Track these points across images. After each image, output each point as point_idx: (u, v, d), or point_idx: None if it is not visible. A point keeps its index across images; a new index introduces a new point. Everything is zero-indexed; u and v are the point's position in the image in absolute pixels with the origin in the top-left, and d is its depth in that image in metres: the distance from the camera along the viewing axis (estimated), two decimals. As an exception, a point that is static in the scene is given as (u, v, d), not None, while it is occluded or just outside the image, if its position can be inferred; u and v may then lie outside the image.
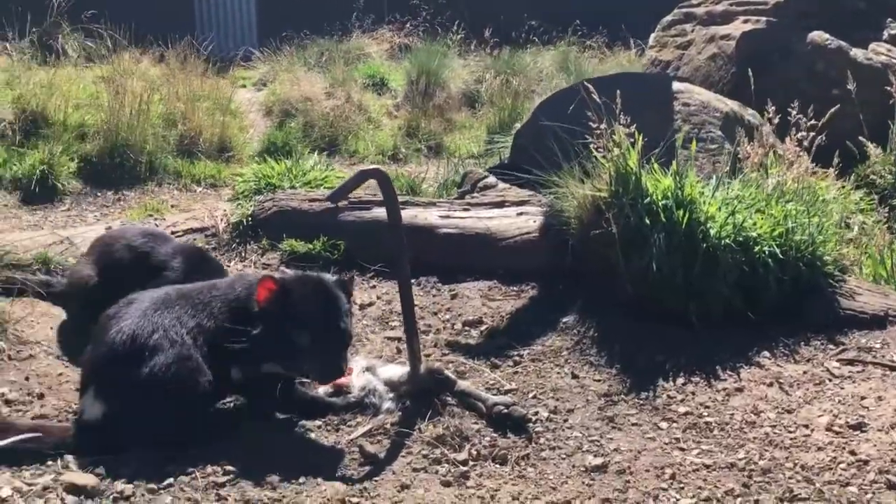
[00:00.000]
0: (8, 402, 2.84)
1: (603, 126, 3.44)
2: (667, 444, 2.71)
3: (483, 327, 3.64)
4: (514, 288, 3.96)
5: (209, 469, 2.50)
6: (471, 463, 2.60)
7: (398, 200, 2.96)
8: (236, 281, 2.93)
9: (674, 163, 3.51)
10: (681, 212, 3.35)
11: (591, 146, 3.50)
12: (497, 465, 2.60)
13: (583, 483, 2.49)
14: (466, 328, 3.65)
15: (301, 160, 5.12)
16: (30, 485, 2.35)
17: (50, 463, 2.49)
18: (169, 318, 2.70)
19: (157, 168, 6.41)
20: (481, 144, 7.48)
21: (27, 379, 2.99)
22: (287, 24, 10.33)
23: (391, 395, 2.97)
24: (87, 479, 2.38)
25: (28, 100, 6.51)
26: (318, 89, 8.05)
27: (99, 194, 6.04)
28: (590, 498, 2.39)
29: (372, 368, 3.08)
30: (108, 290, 3.21)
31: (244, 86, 9.41)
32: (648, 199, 3.38)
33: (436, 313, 3.83)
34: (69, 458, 2.51)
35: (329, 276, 2.87)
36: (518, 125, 6.69)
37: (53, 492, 2.32)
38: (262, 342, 2.66)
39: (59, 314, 3.45)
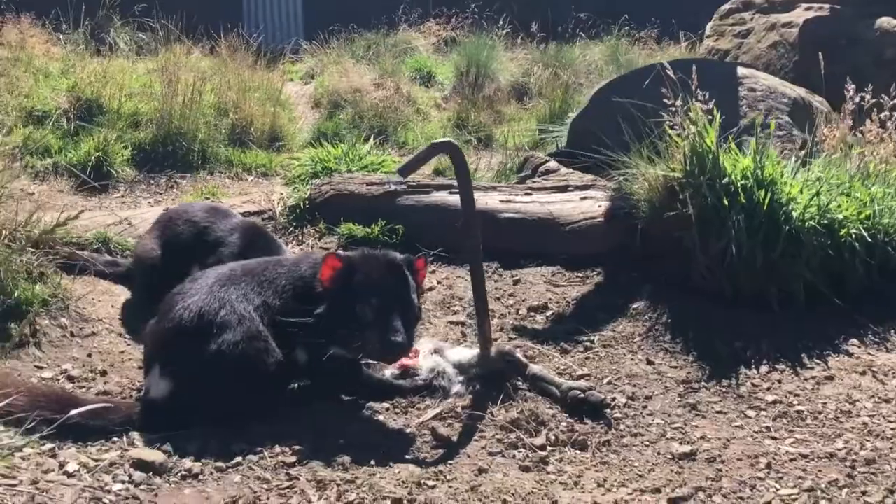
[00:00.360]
0: (71, 379, 2.77)
1: (678, 103, 3.27)
2: (757, 432, 2.53)
3: (549, 313, 3.50)
4: (579, 274, 3.81)
5: (277, 449, 2.39)
6: (549, 448, 2.45)
7: (470, 174, 2.82)
8: (302, 259, 2.82)
9: (752, 141, 3.32)
10: (762, 192, 3.16)
11: (666, 124, 3.33)
12: (577, 451, 2.45)
13: (671, 470, 2.32)
14: (531, 313, 3.50)
15: (357, 144, 5.01)
16: (96, 460, 2.26)
17: (115, 439, 2.40)
18: (236, 294, 2.60)
19: (209, 156, 6.36)
20: (532, 136, 7.33)
21: (90, 356, 2.92)
22: (333, 18, 10.27)
23: (460, 377, 2.84)
24: (154, 455, 2.29)
25: (83, 88, 6.51)
26: (367, 80, 7.96)
27: (152, 181, 6.00)
28: (681, 486, 2.23)
29: (440, 351, 2.95)
30: (170, 266, 3.14)
31: (291, 79, 9.36)
32: (727, 178, 3.20)
33: (499, 298, 3.69)
34: (134, 434, 2.42)
35: (396, 254, 2.75)
36: (572, 115, 6.53)
37: (120, 467, 2.23)
38: (328, 321, 2.55)
39: (121, 293, 3.38)
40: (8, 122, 6.30)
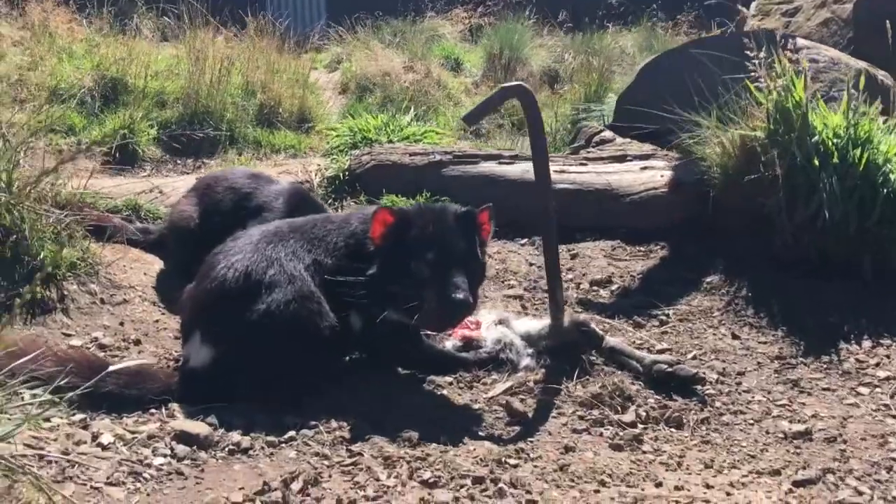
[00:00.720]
0: (102, 347, 2.49)
1: (761, 55, 2.96)
2: (875, 410, 2.23)
3: (613, 287, 3.20)
4: (641, 248, 3.51)
5: (333, 423, 2.11)
6: (640, 425, 2.16)
7: (542, 123, 2.53)
8: (352, 215, 2.54)
9: (843, 95, 3.01)
10: (856, 151, 2.85)
11: (749, 80, 3.02)
12: (672, 429, 2.15)
13: (787, 451, 2.02)
14: (595, 288, 3.20)
15: (397, 115, 4.72)
16: (133, 432, 1.98)
17: (153, 411, 2.13)
18: (284, 251, 2.31)
19: (237, 136, 6.10)
20: (567, 119, 7.04)
21: (122, 324, 2.64)
22: (356, 5, 10.01)
23: (529, 350, 2.54)
24: (198, 427, 2.01)
25: (107, 66, 6.26)
26: (397, 63, 7.68)
27: (179, 161, 5.75)
28: (804, 467, 1.93)
29: (505, 321, 2.66)
30: (208, 233, 2.85)
31: (315, 68, 9.10)
32: (816, 137, 2.89)
33: (556, 273, 3.40)
34: (174, 405, 2.15)
35: (456, 206, 2.47)
36: (609, 99, 6.26)
37: (160, 440, 1.95)
38: (381, 281, 2.27)
39: (153, 262, 3.11)
40: (31, 100, 6.08)
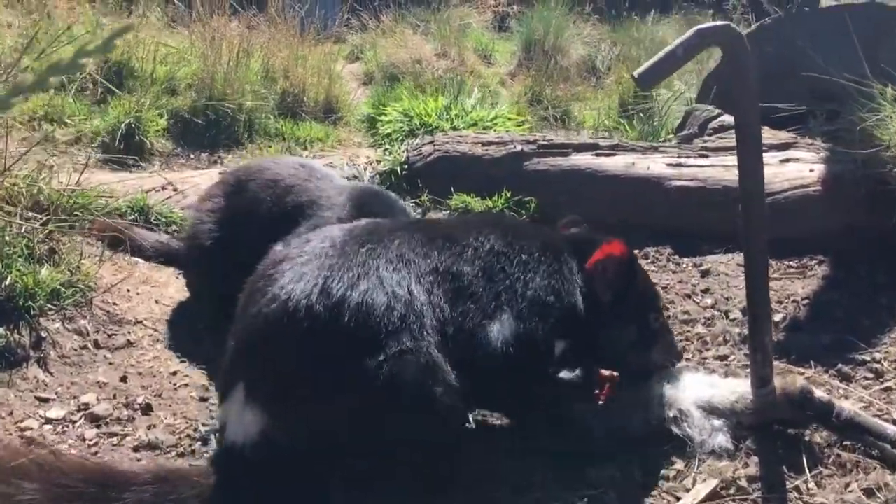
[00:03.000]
0: (94, 420, 1.63)
1: None
2: None
3: (777, 318, 2.33)
4: (792, 262, 2.65)
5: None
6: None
7: (756, 88, 1.65)
8: (554, 237, 1.75)
9: None
10: None
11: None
12: None
13: None
14: (746, 316, 2.33)
15: (459, 97, 3.85)
16: None
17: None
18: (385, 257, 1.44)
19: (257, 128, 5.23)
20: (614, 112, 6.22)
21: (124, 380, 1.77)
22: (377, -6, 9.12)
23: (717, 422, 1.68)
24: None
25: (112, 50, 5.39)
26: (428, 50, 6.83)
27: (192, 155, 4.87)
28: None
29: (669, 378, 1.79)
30: (241, 245, 1.96)
31: (335, 60, 8.26)
32: None
33: (689, 296, 2.54)
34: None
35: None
36: (677, 83, 5.42)
37: None
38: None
39: (167, 281, 2.23)
40: (25, 86, 5.21)
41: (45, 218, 1.84)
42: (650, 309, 1.72)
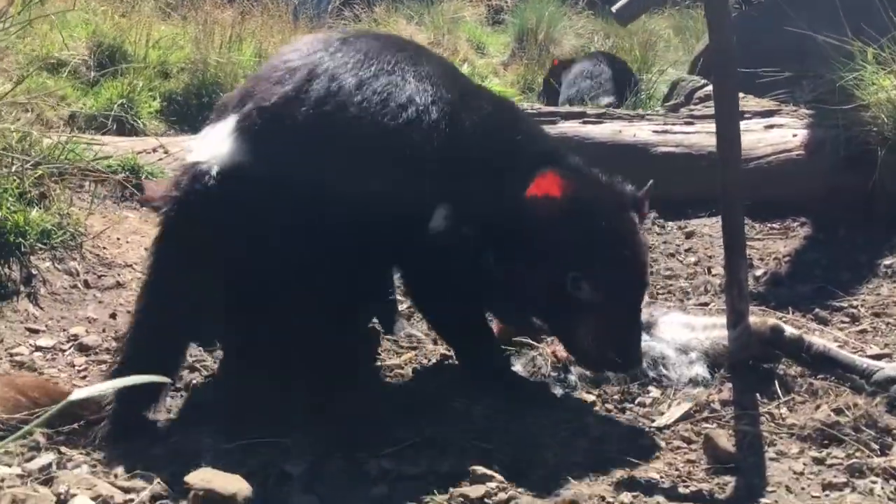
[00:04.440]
0: (83, 349, 1.67)
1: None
2: None
3: (758, 273, 2.40)
4: (775, 224, 2.72)
5: (444, 467, 1.30)
6: (920, 475, 1.35)
7: (735, 47, 1.69)
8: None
9: None
10: None
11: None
12: (976, 479, 1.34)
13: None
14: (731, 273, 2.39)
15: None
16: (125, 490, 1.17)
17: (157, 449, 1.31)
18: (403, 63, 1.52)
19: (250, 110, 5.29)
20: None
21: (113, 317, 1.82)
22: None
23: (693, 355, 1.74)
24: (234, 484, 1.18)
25: (104, 32, 5.43)
26: (422, 40, 6.88)
27: (184, 136, 4.93)
28: None
29: (647, 326, 1.83)
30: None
31: (329, 49, 8.32)
32: None
33: (673, 255, 2.60)
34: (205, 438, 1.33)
35: (620, 182, 1.68)
36: (670, 71, 5.50)
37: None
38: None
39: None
40: (19, 70, 5.26)
41: (37, 159, 1.89)
42: (575, 269, 1.49)
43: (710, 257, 2.53)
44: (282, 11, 6.76)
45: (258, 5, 6.84)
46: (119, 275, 1.95)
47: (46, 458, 1.21)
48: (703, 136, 2.95)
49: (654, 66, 6.35)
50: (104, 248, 2.02)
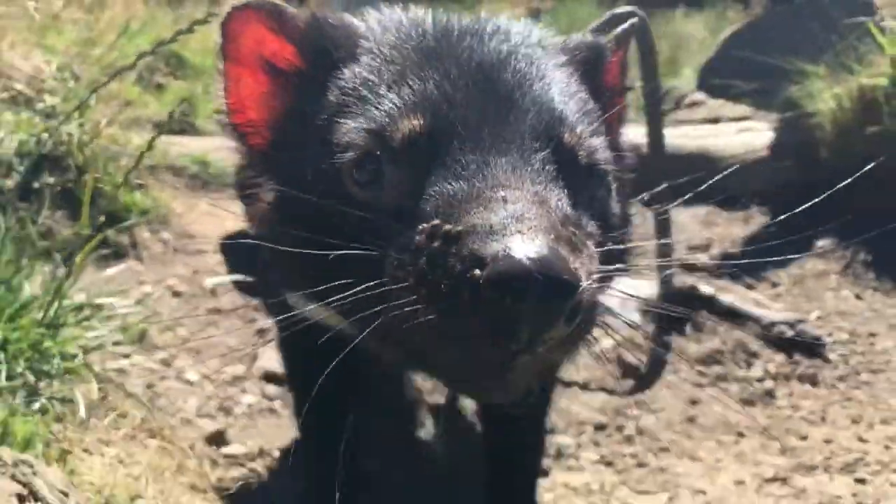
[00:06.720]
0: (177, 295, 2.40)
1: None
2: None
3: (714, 251, 3.01)
4: (739, 213, 3.32)
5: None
6: (769, 381, 1.97)
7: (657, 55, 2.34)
8: None
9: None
10: None
11: (870, 24, 2.82)
12: (808, 386, 1.96)
13: (948, 408, 1.83)
14: (693, 252, 3.02)
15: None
16: (217, 372, 1.87)
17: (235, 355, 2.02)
18: None
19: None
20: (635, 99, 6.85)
21: (195, 273, 2.55)
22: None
23: (630, 303, 2.38)
24: (287, 368, 1.89)
25: (165, 42, 6.25)
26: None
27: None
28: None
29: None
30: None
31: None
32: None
33: (648, 239, 3.22)
34: (261, 349, 2.03)
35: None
36: (687, 71, 6.08)
37: (247, 381, 1.84)
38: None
39: (226, 216, 3.01)
40: (87, 76, 6.10)
41: (137, 153, 2.62)
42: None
43: (679, 240, 3.15)
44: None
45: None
46: (198, 244, 2.69)
47: (163, 353, 1.92)
48: (685, 139, 3.57)
49: (686, 69, 6.91)
50: (187, 224, 2.75)
